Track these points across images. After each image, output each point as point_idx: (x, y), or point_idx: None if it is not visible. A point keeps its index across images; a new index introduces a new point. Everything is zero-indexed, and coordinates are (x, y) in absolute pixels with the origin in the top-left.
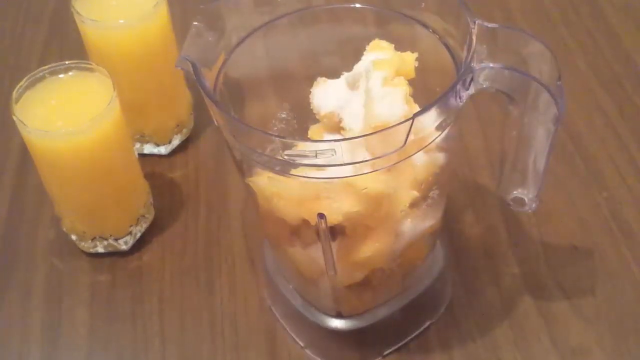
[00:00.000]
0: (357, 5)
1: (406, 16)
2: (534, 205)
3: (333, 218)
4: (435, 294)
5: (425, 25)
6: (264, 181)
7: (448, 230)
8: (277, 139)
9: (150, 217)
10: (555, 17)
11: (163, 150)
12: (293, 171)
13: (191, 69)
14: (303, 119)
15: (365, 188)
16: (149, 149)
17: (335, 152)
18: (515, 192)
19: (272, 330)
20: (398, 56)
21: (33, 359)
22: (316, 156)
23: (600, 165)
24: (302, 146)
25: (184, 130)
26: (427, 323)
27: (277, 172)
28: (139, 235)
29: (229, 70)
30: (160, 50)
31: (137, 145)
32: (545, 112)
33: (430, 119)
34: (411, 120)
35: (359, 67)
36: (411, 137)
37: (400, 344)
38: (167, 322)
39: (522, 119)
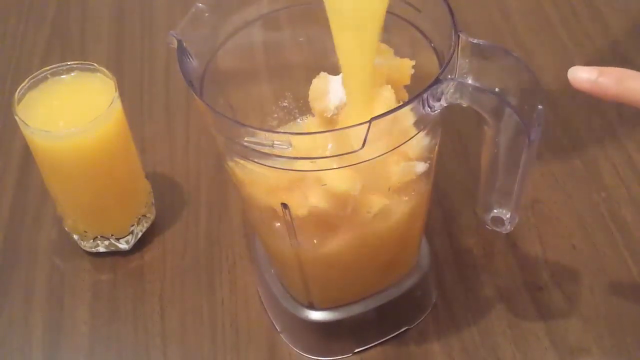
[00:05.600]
0: None
1: (407, 22)
2: (509, 226)
3: (298, 211)
4: (414, 300)
5: (422, 33)
6: (236, 166)
7: (447, 229)
8: (235, 124)
9: (151, 216)
10: (554, 18)
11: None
12: (254, 159)
13: (176, 45)
14: (306, 110)
15: (325, 184)
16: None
17: (290, 144)
18: (495, 211)
19: (273, 330)
20: (394, 62)
21: (35, 358)
22: (272, 146)
23: (599, 166)
24: (261, 135)
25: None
26: (404, 328)
27: (241, 158)
28: (140, 234)
29: (227, 55)
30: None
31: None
32: (518, 136)
33: (398, 124)
34: (368, 124)
35: None
36: (377, 139)
37: (373, 344)
38: (168, 322)
39: (497, 140)
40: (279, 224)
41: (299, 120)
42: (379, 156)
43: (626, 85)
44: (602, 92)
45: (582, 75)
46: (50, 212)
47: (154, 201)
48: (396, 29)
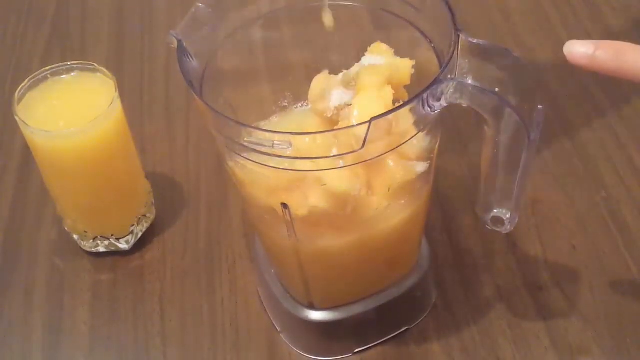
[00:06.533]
0: (359, 5)
1: (407, 21)
2: (509, 226)
3: (298, 211)
4: (414, 300)
5: (422, 33)
6: (236, 166)
7: (447, 229)
8: (235, 124)
9: (151, 216)
10: (554, 18)
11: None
12: (255, 158)
13: (176, 45)
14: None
15: (325, 184)
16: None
17: (290, 144)
18: (495, 211)
19: (273, 330)
20: (394, 62)
21: (35, 358)
22: (272, 146)
23: (599, 165)
24: (261, 135)
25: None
26: (404, 328)
27: (241, 158)
28: (140, 234)
29: (227, 55)
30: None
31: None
32: (518, 136)
33: (398, 124)
34: (368, 124)
35: (356, 67)
36: (378, 140)
37: (373, 344)
38: (168, 322)
39: (497, 139)
40: (279, 224)
41: (294, 107)
42: (379, 156)
43: (625, 58)
44: (600, 67)
45: (579, 50)
46: (50, 212)
47: (154, 201)
48: (396, 29)
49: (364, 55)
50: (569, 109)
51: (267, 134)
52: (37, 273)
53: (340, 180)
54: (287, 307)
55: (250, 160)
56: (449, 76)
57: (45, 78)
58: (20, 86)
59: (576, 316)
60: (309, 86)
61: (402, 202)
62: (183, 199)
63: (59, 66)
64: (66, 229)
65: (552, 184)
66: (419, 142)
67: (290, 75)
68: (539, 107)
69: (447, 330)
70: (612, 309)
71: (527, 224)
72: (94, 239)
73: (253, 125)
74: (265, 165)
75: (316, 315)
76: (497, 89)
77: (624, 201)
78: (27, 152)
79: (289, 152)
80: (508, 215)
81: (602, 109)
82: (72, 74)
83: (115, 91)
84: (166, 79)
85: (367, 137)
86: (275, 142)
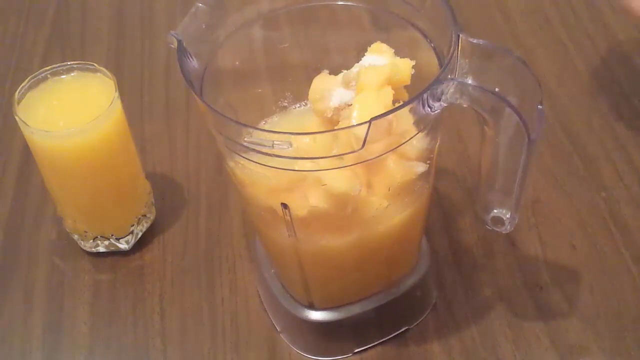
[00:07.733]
0: (360, 5)
1: (407, 21)
2: (509, 226)
3: (298, 211)
4: (414, 300)
5: (422, 32)
6: (236, 167)
7: (447, 229)
8: (236, 124)
9: (151, 216)
10: (554, 18)
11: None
12: (255, 158)
13: (176, 45)
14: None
15: (325, 184)
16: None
17: (290, 144)
18: (495, 211)
19: (273, 330)
20: (394, 62)
21: (35, 358)
22: (272, 146)
23: (599, 166)
24: (261, 135)
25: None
26: (404, 328)
27: (241, 158)
28: (140, 234)
29: (227, 55)
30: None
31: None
32: (518, 136)
33: (398, 124)
34: (368, 124)
35: (356, 67)
36: (378, 140)
37: (373, 344)
38: (168, 321)
39: (497, 139)
40: (279, 224)
41: (293, 107)
42: (379, 156)
43: None
44: None
45: None
46: (50, 212)
47: (154, 201)
48: (396, 29)
49: (364, 55)
50: (569, 109)
51: (267, 134)
52: (37, 273)
53: (340, 180)
54: (287, 307)
55: (250, 160)
56: (449, 76)
57: (45, 78)
58: (20, 86)
59: (576, 316)
60: (309, 86)
61: (402, 202)
62: (183, 199)
63: (59, 66)
64: (66, 229)
65: (552, 184)
66: (419, 142)
67: (290, 75)
68: (539, 107)
69: (447, 330)
70: (612, 309)
71: (527, 224)
72: (94, 239)
73: (253, 125)
74: (266, 165)
75: (316, 315)
76: (497, 89)
77: (624, 201)
78: (27, 152)
79: (289, 152)
80: (508, 215)
81: (602, 110)
82: (72, 74)
83: (115, 91)
84: (166, 79)
85: (367, 137)
86: (275, 142)
